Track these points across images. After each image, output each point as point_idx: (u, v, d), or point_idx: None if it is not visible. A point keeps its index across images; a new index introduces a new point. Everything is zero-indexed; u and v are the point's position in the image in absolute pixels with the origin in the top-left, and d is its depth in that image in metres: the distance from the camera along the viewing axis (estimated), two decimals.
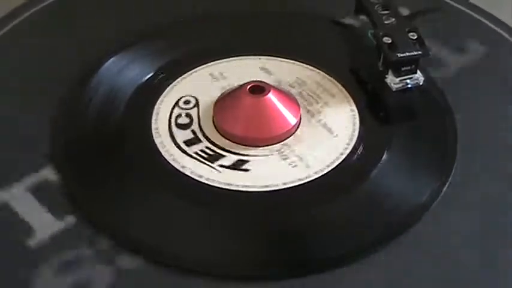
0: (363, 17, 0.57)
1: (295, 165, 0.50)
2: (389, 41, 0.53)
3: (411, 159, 0.52)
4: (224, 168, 0.50)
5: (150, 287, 0.46)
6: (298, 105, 0.53)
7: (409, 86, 0.54)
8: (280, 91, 0.53)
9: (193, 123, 0.53)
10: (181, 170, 0.50)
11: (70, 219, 0.48)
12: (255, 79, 0.53)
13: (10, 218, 0.48)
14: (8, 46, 0.58)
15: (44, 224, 0.48)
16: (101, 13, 0.61)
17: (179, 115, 0.53)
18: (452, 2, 0.61)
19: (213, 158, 0.51)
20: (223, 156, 0.51)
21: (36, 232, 0.47)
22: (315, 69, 0.56)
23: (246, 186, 0.49)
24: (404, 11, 0.57)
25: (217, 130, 0.52)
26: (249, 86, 0.52)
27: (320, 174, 0.50)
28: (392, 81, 0.54)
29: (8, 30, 0.59)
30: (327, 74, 0.56)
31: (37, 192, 0.49)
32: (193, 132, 0.52)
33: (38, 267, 0.46)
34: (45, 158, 0.51)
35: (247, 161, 0.51)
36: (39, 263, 0.46)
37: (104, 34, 0.59)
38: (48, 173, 0.50)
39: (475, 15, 0.61)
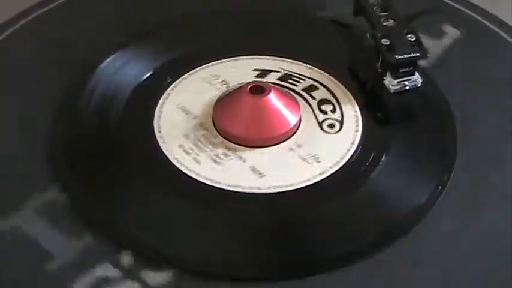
0: (361, 18, 0.57)
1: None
2: (388, 43, 0.53)
3: (411, 160, 0.52)
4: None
5: (149, 286, 0.46)
6: (298, 105, 0.53)
7: (407, 87, 0.54)
8: (280, 91, 0.53)
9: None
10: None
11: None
12: (254, 79, 0.53)
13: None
14: (8, 47, 0.58)
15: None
16: (101, 13, 0.61)
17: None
18: (452, 2, 0.61)
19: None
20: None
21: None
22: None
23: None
24: (404, 13, 0.56)
25: (217, 130, 0.52)
26: (249, 86, 0.52)
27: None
28: (391, 83, 0.54)
29: (9, 33, 0.59)
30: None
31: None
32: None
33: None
34: (44, 160, 0.51)
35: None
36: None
37: (104, 34, 0.59)
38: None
39: (475, 16, 0.61)
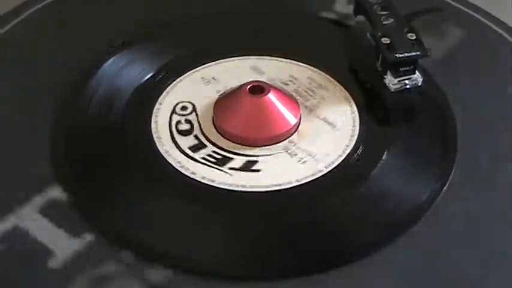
0: (362, 17, 0.57)
1: (294, 165, 0.50)
2: (388, 42, 0.53)
3: (411, 159, 0.52)
4: (234, 171, 0.50)
5: (150, 287, 0.46)
6: (298, 105, 0.53)
7: (408, 86, 0.54)
8: (280, 91, 0.53)
9: (195, 129, 0.53)
10: (181, 170, 0.50)
11: (69, 220, 0.48)
12: (253, 79, 0.53)
13: None
14: (7, 46, 0.58)
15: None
16: (101, 13, 0.61)
17: (178, 121, 0.53)
18: (452, 2, 0.61)
19: (210, 156, 0.51)
20: (231, 158, 0.51)
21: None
22: (315, 69, 0.56)
23: (246, 185, 0.49)
24: (404, 12, 0.56)
25: (217, 131, 0.52)
26: (249, 86, 0.52)
27: (318, 176, 0.50)
28: (391, 81, 0.54)
29: (8, 30, 0.59)
30: (327, 74, 0.56)
31: (36, 186, 0.50)
32: (196, 137, 0.52)
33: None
34: (45, 160, 0.51)
35: (252, 162, 0.51)
36: None
37: (103, 34, 0.59)
38: (47, 169, 0.51)
39: (475, 15, 0.61)
